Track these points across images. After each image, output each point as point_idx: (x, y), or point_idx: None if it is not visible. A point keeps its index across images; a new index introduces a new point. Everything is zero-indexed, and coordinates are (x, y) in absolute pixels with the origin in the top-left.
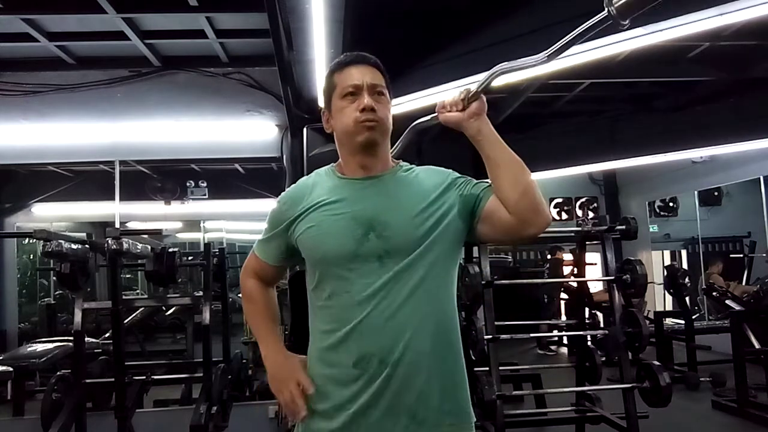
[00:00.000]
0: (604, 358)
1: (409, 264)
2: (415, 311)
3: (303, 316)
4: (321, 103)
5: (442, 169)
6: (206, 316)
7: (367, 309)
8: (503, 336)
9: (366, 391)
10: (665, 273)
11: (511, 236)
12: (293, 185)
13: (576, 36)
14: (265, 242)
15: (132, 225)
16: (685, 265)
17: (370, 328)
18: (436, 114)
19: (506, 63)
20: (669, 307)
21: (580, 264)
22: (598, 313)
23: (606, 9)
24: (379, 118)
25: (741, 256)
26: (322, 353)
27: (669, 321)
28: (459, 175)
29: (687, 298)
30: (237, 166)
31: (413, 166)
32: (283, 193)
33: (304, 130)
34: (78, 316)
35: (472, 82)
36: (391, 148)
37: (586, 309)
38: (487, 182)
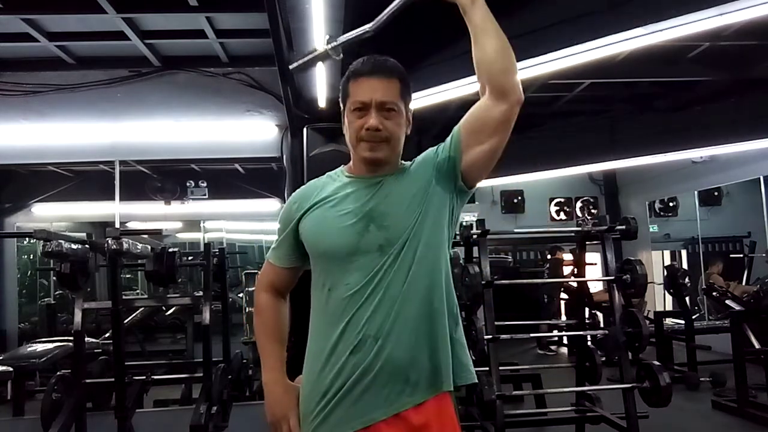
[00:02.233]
0: (604, 358)
1: (402, 245)
2: (408, 285)
3: (303, 315)
4: (323, 102)
5: (427, 150)
6: (206, 316)
7: (362, 298)
8: (503, 336)
9: (359, 366)
10: (665, 273)
11: (486, 122)
12: (305, 185)
13: None
14: (278, 247)
15: (132, 225)
16: (685, 265)
17: (365, 316)
18: None
19: None
20: (669, 307)
21: (580, 264)
22: (598, 313)
23: None
24: (384, 137)
25: (741, 256)
26: (321, 352)
27: (669, 321)
28: (435, 146)
29: (687, 298)
30: (237, 166)
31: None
32: (294, 193)
33: (304, 130)
34: (78, 316)
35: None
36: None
37: (586, 309)
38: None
